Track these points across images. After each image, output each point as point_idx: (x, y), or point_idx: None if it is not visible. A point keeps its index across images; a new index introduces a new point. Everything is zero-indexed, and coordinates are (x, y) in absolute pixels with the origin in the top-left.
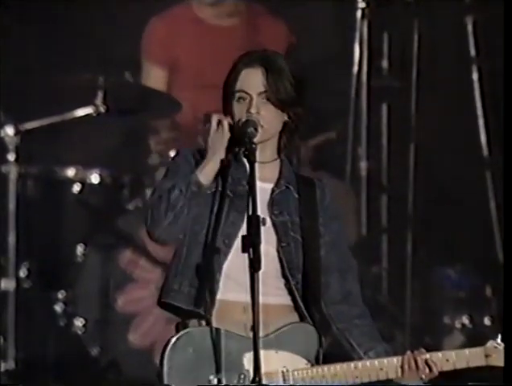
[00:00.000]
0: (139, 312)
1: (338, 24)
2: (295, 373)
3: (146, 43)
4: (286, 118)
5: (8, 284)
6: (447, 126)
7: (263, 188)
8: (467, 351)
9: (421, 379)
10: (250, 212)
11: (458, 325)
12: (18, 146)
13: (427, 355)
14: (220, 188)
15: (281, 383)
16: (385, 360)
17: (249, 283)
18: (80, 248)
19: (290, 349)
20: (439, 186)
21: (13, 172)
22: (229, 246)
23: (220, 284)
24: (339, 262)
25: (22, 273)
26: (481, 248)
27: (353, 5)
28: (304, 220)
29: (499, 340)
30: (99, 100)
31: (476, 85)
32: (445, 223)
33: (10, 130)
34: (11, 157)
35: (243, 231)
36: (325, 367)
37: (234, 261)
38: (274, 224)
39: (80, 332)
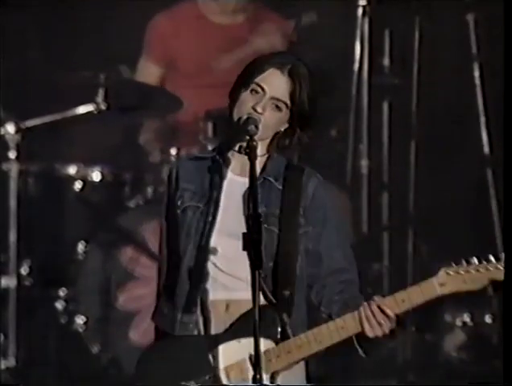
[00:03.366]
0: (140, 310)
1: (339, 22)
2: (262, 356)
3: (148, 39)
4: (281, 129)
5: (9, 281)
6: (448, 124)
7: (241, 182)
8: (419, 285)
9: (380, 325)
10: (251, 210)
11: (459, 323)
12: (19, 144)
13: (380, 301)
14: (192, 202)
15: (250, 370)
16: (342, 318)
17: (230, 282)
18: (81, 246)
19: (251, 334)
20: (440, 184)
21: (14, 170)
22: (214, 253)
23: (208, 287)
24: (327, 250)
25: (24, 271)
26: (482, 246)
27: (353, 2)
28: (284, 212)
29: (454, 265)
30: (100, 98)
31: (477, 83)
32: (446, 220)
33: (11, 128)
34: (12, 154)
35: (217, 236)
36: (289, 342)
37: (213, 273)
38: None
39: (81, 330)
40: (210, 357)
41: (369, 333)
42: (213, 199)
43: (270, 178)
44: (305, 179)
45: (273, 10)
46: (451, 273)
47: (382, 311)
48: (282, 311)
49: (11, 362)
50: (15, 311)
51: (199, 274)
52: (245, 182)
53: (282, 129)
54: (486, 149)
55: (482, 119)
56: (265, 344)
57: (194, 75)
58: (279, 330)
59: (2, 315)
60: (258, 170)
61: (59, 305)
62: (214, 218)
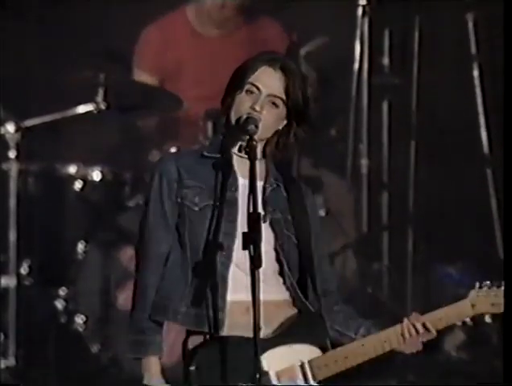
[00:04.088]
0: None
1: (339, 22)
2: (312, 364)
3: (139, 50)
4: (279, 128)
5: (9, 281)
6: (447, 123)
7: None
8: (455, 305)
9: (421, 342)
10: (251, 209)
11: (459, 323)
12: (19, 143)
13: (424, 318)
14: (210, 201)
15: (300, 377)
16: (386, 332)
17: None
18: (81, 245)
19: (301, 341)
20: (440, 183)
21: (14, 169)
22: (229, 257)
23: (228, 291)
24: (320, 257)
25: (23, 270)
26: (482, 245)
27: (353, 2)
28: (296, 218)
29: (478, 287)
30: (100, 97)
31: (477, 82)
32: (446, 220)
33: (10, 127)
34: (12, 154)
35: (239, 239)
36: (336, 352)
37: (235, 268)
38: (270, 222)
39: (80, 329)
40: (263, 360)
41: (408, 349)
42: (231, 200)
43: (280, 184)
44: (304, 190)
45: (268, 15)
46: (480, 294)
47: (426, 329)
48: (325, 319)
49: (11, 361)
50: (15, 311)
51: (218, 273)
52: (258, 186)
53: (281, 128)
54: (486, 148)
55: (482, 118)
56: (311, 351)
57: (188, 86)
58: (327, 339)
59: (2, 315)
60: (263, 173)
61: (59, 304)
62: (235, 219)
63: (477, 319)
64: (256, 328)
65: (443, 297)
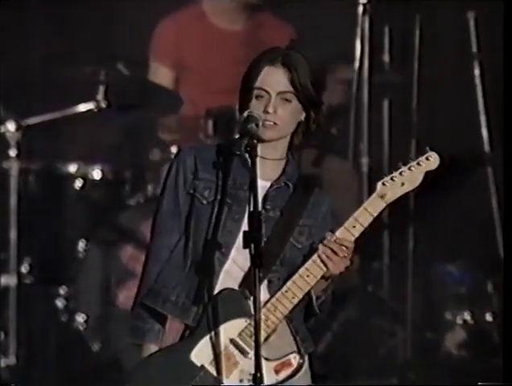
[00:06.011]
0: None
1: (339, 20)
2: (242, 335)
3: (156, 43)
4: (302, 118)
5: (9, 279)
6: (448, 122)
7: (263, 186)
8: (362, 208)
9: (345, 257)
10: (252, 208)
11: (459, 321)
12: (20, 142)
13: (334, 237)
14: (219, 196)
15: (236, 351)
16: (305, 267)
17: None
18: (81, 244)
19: (226, 319)
20: (441, 182)
21: (14, 168)
22: (226, 254)
23: (217, 289)
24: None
25: (24, 269)
26: (483, 243)
27: (354, 0)
28: (284, 214)
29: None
30: (100, 96)
31: (478, 81)
32: (446, 219)
33: (11, 126)
34: (13, 152)
35: (239, 240)
36: (264, 311)
37: (232, 264)
38: (264, 221)
39: (81, 328)
40: (193, 357)
41: (335, 270)
42: (241, 199)
43: (290, 184)
44: (318, 196)
45: (274, 13)
46: (387, 183)
47: (341, 244)
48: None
49: (12, 360)
50: (16, 309)
51: (216, 268)
52: (265, 185)
53: (303, 118)
54: (487, 147)
55: (482, 117)
56: (239, 324)
57: (202, 77)
58: (250, 306)
59: (3, 313)
60: (278, 173)
61: (60, 303)
62: (242, 218)
63: (478, 318)
64: (257, 328)
65: (444, 296)
